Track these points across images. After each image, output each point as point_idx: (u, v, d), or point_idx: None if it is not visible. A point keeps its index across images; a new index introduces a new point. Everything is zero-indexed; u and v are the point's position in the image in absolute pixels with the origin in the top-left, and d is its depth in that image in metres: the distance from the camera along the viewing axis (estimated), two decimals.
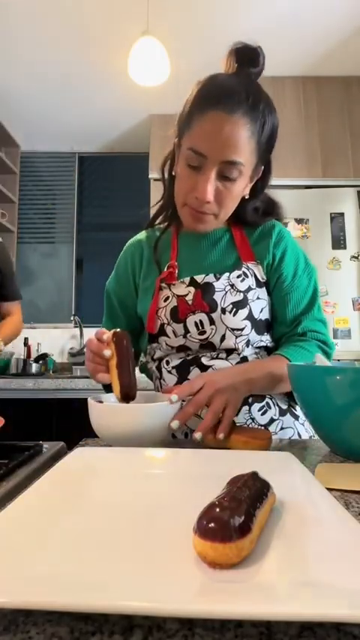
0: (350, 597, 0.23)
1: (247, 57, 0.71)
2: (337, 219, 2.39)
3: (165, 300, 0.80)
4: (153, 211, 0.90)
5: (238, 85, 0.68)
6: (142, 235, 0.92)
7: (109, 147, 3.39)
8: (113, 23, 2.23)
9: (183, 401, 0.65)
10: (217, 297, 0.77)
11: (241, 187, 0.75)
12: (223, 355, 0.78)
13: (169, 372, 0.80)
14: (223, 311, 0.76)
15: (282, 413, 0.80)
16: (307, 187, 2.52)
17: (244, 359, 0.78)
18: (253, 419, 0.76)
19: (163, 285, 0.81)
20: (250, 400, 0.76)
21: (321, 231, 2.38)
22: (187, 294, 0.78)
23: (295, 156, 2.59)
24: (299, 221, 2.39)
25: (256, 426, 0.76)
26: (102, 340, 0.63)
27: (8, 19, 2.21)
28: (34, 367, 2.81)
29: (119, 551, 0.29)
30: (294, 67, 2.61)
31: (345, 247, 2.36)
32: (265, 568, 0.27)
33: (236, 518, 0.27)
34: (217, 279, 0.78)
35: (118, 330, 0.65)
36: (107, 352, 0.62)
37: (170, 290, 0.80)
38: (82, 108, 2.94)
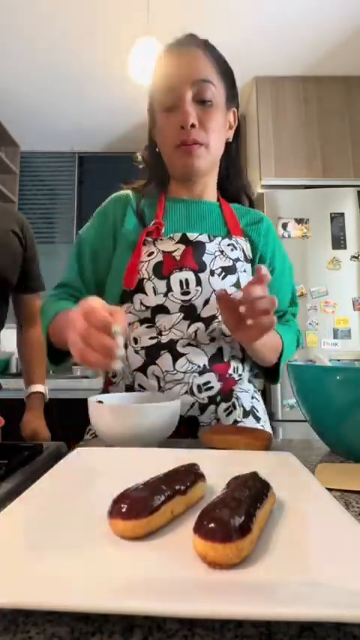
0: (350, 597, 0.23)
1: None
2: (337, 219, 2.39)
3: (149, 255, 0.75)
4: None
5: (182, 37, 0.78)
6: (127, 191, 0.87)
7: (109, 147, 3.39)
8: (113, 23, 2.23)
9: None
10: (207, 258, 0.74)
11: (221, 116, 0.77)
12: (202, 330, 0.73)
13: (137, 351, 0.74)
14: (212, 273, 0.73)
15: (245, 414, 0.78)
16: (307, 187, 2.52)
17: (220, 350, 0.75)
18: (218, 419, 0.75)
19: (148, 239, 0.77)
20: (218, 400, 0.74)
21: (321, 231, 2.38)
22: (174, 251, 0.75)
23: (295, 156, 2.58)
24: (299, 221, 2.39)
25: (229, 417, 0.75)
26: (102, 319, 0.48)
27: (9, 20, 2.21)
28: None
29: (119, 551, 0.29)
30: (294, 67, 2.61)
31: (345, 247, 2.36)
32: (266, 568, 0.27)
33: (236, 519, 0.28)
34: (210, 240, 0.76)
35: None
36: (117, 327, 0.48)
37: (155, 246, 0.76)
38: (82, 108, 2.94)
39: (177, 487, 0.34)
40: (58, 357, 0.78)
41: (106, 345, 0.48)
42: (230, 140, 0.82)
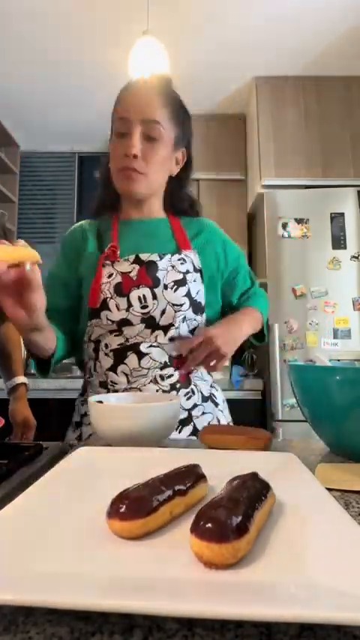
0: (350, 599, 0.23)
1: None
2: (337, 219, 2.39)
3: (109, 277, 0.84)
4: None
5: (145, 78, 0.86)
6: (82, 222, 0.98)
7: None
8: (113, 23, 2.23)
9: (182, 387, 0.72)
10: (160, 274, 0.84)
11: (166, 152, 0.85)
12: (161, 336, 0.83)
13: (107, 354, 0.84)
14: (165, 287, 0.83)
15: (204, 399, 0.88)
16: (307, 187, 2.52)
17: (175, 338, 0.84)
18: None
19: (107, 262, 0.85)
20: (178, 386, 0.84)
21: (321, 231, 2.38)
22: (130, 271, 0.84)
23: (295, 156, 2.58)
24: (299, 221, 2.39)
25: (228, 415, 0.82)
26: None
27: (9, 19, 2.21)
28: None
29: (118, 551, 0.29)
30: (294, 67, 2.61)
31: (345, 247, 2.36)
32: (263, 568, 0.27)
33: (233, 519, 0.27)
34: (161, 258, 0.85)
35: None
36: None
37: (113, 267, 0.84)
38: (82, 108, 2.94)
39: (177, 488, 0.34)
40: (43, 365, 0.84)
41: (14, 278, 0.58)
42: (174, 174, 0.91)
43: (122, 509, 0.31)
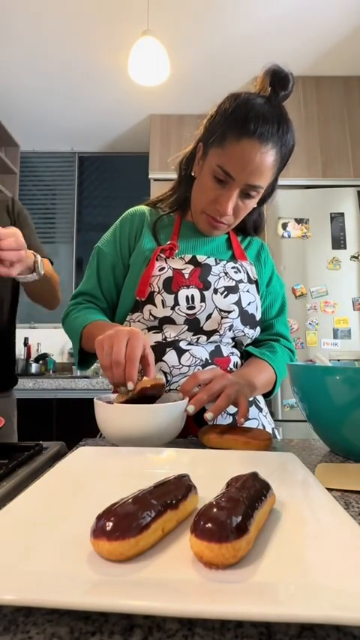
0: (350, 599, 0.23)
1: (281, 81, 0.75)
2: (337, 219, 2.39)
3: (160, 270, 0.81)
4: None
5: (271, 115, 0.73)
6: (145, 209, 0.93)
7: (109, 147, 3.40)
8: (113, 23, 2.23)
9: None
10: (212, 279, 0.82)
11: (255, 202, 0.82)
12: (203, 339, 0.80)
13: None
14: (215, 291, 0.81)
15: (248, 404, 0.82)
16: (307, 187, 2.52)
17: (219, 347, 0.82)
18: None
19: (161, 256, 0.83)
20: None
21: (321, 231, 2.38)
22: (183, 269, 0.81)
23: (295, 156, 2.58)
24: (299, 221, 2.39)
25: (225, 415, 0.78)
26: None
27: (8, 19, 2.21)
28: (34, 367, 2.81)
29: None
30: (294, 66, 2.59)
31: (345, 247, 2.36)
32: (264, 568, 0.27)
33: (233, 519, 0.27)
34: (216, 263, 0.84)
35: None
36: (130, 385, 0.60)
37: (167, 262, 0.82)
38: (82, 108, 2.94)
39: (167, 501, 0.32)
40: (87, 360, 0.87)
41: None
42: (255, 206, 0.85)
43: (109, 528, 0.27)
